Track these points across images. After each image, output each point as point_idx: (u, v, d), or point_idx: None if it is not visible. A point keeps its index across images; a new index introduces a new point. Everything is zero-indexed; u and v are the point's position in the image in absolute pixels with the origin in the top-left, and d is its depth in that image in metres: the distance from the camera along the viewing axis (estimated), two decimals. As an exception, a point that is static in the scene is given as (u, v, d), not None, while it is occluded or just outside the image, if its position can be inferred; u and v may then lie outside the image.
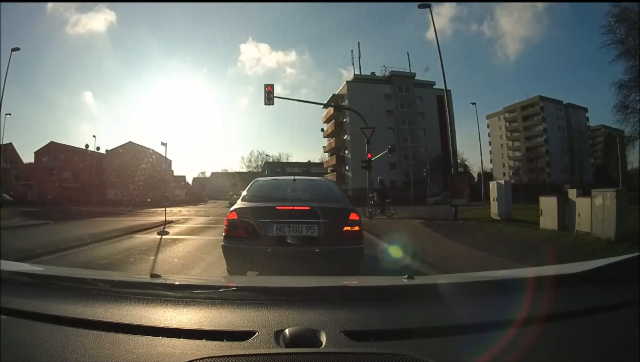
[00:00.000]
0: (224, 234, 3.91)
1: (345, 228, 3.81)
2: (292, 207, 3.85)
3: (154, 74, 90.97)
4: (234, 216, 3.85)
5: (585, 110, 58.45)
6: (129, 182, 41.32)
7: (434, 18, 15.13)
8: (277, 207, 3.81)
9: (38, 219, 13.70)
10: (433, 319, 1.04)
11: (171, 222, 13.00)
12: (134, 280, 1.51)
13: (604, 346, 0.95)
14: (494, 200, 13.06)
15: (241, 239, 3.75)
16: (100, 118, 76.71)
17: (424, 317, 1.06)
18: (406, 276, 1.33)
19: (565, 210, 8.69)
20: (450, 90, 48.22)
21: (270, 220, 3.68)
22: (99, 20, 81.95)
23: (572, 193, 8.64)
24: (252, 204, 4.06)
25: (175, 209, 23.92)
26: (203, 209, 26.61)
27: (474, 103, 38.75)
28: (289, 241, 3.66)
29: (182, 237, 9.02)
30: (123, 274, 2.39)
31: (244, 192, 4.43)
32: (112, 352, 0.90)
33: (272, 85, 15.32)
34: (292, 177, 4.96)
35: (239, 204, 4.10)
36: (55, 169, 45.42)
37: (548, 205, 9.49)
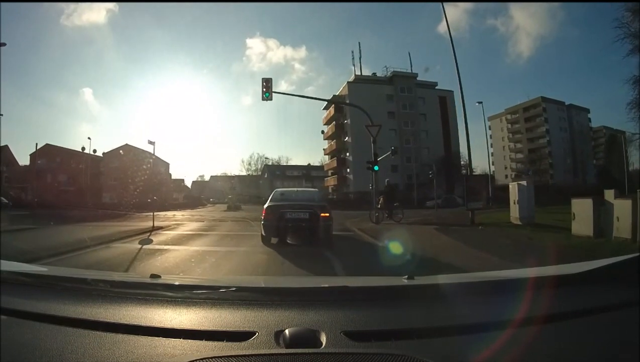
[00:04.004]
0: (262, 217, 7.46)
1: (322, 214, 7.37)
2: (295, 205, 7.59)
3: (156, 70, 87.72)
4: (269, 209, 7.46)
5: (587, 111, 58.01)
6: (126, 185, 40.70)
7: (447, 16, 13.95)
8: (289, 204, 7.60)
9: (24, 224, 12.75)
10: (433, 319, 1.03)
11: (160, 228, 11.79)
12: (134, 280, 1.48)
13: (604, 346, 0.93)
14: (514, 203, 11.83)
15: (271, 219, 7.32)
16: (99, 117, 73.93)
17: (424, 317, 1.05)
18: (406, 276, 1.32)
19: (601, 213, 7.86)
20: (452, 91, 47.17)
21: (285, 210, 7.37)
22: (99, 9, 73.22)
23: (609, 194, 7.80)
24: (275, 203, 7.67)
25: (170, 213, 22.96)
26: (199, 214, 25.44)
27: (480, 102, 37.57)
28: (294, 220, 7.31)
29: (165, 247, 7.82)
30: (123, 275, 2.35)
31: (270, 197, 8.07)
32: (112, 352, 0.90)
33: (270, 80, 14.12)
34: (296, 189, 10.42)
35: (268, 203, 7.68)
36: (50, 172, 44.34)
37: (582, 208, 8.52)
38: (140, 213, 21.86)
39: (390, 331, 0.97)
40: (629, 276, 1.20)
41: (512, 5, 63.92)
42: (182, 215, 22.63)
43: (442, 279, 1.44)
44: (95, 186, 43.96)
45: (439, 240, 8.52)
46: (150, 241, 8.81)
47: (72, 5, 64.32)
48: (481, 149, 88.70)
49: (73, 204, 29.51)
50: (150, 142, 13.21)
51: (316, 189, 13.44)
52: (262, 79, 14.19)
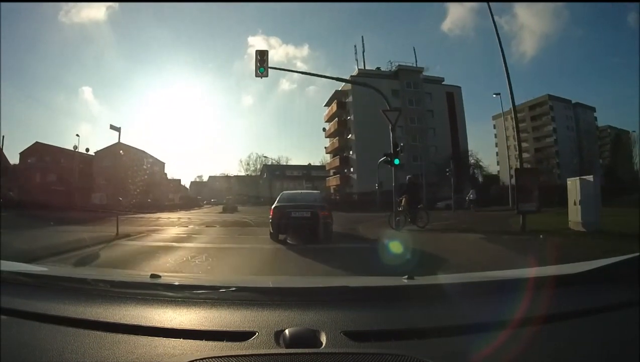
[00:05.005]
0: (270, 216, 8.52)
1: (322, 213, 8.33)
2: (299, 205, 8.60)
3: (156, 69, 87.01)
4: (276, 209, 8.51)
5: (594, 109, 56.69)
6: (117, 185, 38.36)
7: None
8: (293, 205, 8.63)
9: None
10: (433, 319, 1.03)
11: (126, 236, 9.34)
12: (134, 280, 1.47)
13: (604, 346, 0.94)
14: (575, 204, 9.15)
15: (278, 218, 8.33)
16: (99, 117, 71.31)
17: (424, 317, 1.05)
18: (406, 276, 1.31)
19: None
20: (460, 87, 44.67)
21: (290, 209, 8.40)
22: (99, 6, 67.81)
23: None
24: (282, 204, 8.72)
25: (155, 216, 20.48)
26: (189, 216, 23.02)
27: (499, 94, 34.78)
28: (297, 218, 8.28)
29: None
30: (123, 275, 2.20)
31: (277, 199, 9.14)
32: (113, 352, 0.89)
33: (265, 52, 11.56)
34: (300, 191, 12.81)
35: (276, 204, 8.73)
36: (38, 171, 42.19)
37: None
38: (127, 215, 19.52)
39: (390, 331, 0.97)
40: (629, 276, 1.19)
41: (516, 4, 61.88)
42: (169, 218, 20.32)
43: (442, 279, 1.44)
44: (85, 185, 41.81)
45: (504, 259, 5.89)
46: (94, 259, 6.56)
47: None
48: (487, 148, 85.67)
49: (57, 204, 27.32)
50: (114, 128, 10.65)
51: (318, 191, 14.46)
52: (256, 51, 12.02)
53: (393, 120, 11.45)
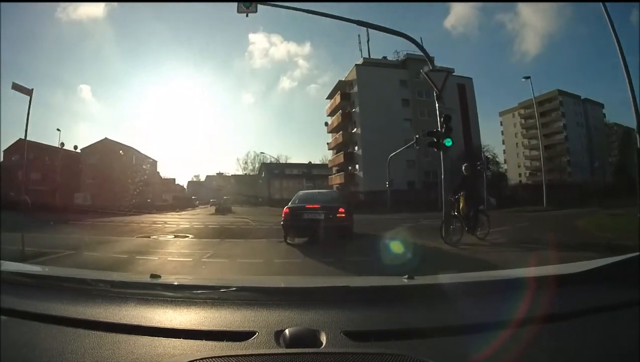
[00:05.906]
0: (282, 218, 8.17)
1: (338, 215, 7.91)
2: (312, 206, 8.17)
3: (156, 67, 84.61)
4: (288, 210, 8.17)
5: (602, 106, 54.77)
6: (103, 184, 35.25)
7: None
8: (306, 206, 8.25)
9: None
10: (433, 319, 1.03)
11: (35, 256, 6.15)
12: (134, 280, 1.47)
13: (604, 346, 0.93)
14: None
15: (290, 220, 8.04)
16: (97, 115, 68.71)
17: (424, 317, 1.04)
18: (406, 276, 1.30)
19: None
20: (471, 78, 41.33)
21: (303, 211, 8.10)
22: (97, 3, 62.84)
23: None
24: (295, 205, 8.43)
25: (128, 219, 18.02)
26: (168, 219, 19.51)
27: (528, 77, 32.18)
28: (310, 221, 7.87)
29: None
30: (123, 275, 2.18)
31: (293, 199, 8.92)
32: (112, 352, 0.89)
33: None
34: (317, 191, 11.85)
35: (290, 205, 8.44)
36: (20, 170, 38.60)
37: None
38: (96, 218, 17.12)
39: (390, 331, 0.97)
40: (629, 276, 1.17)
41: (519, 3, 60.17)
42: (142, 222, 16.87)
43: (443, 279, 1.41)
44: (70, 184, 38.67)
45: None
46: None
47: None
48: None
49: (36, 204, 23.83)
50: (23, 90, 6.93)
51: (336, 190, 14.70)
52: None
53: (439, 85, 8.03)
